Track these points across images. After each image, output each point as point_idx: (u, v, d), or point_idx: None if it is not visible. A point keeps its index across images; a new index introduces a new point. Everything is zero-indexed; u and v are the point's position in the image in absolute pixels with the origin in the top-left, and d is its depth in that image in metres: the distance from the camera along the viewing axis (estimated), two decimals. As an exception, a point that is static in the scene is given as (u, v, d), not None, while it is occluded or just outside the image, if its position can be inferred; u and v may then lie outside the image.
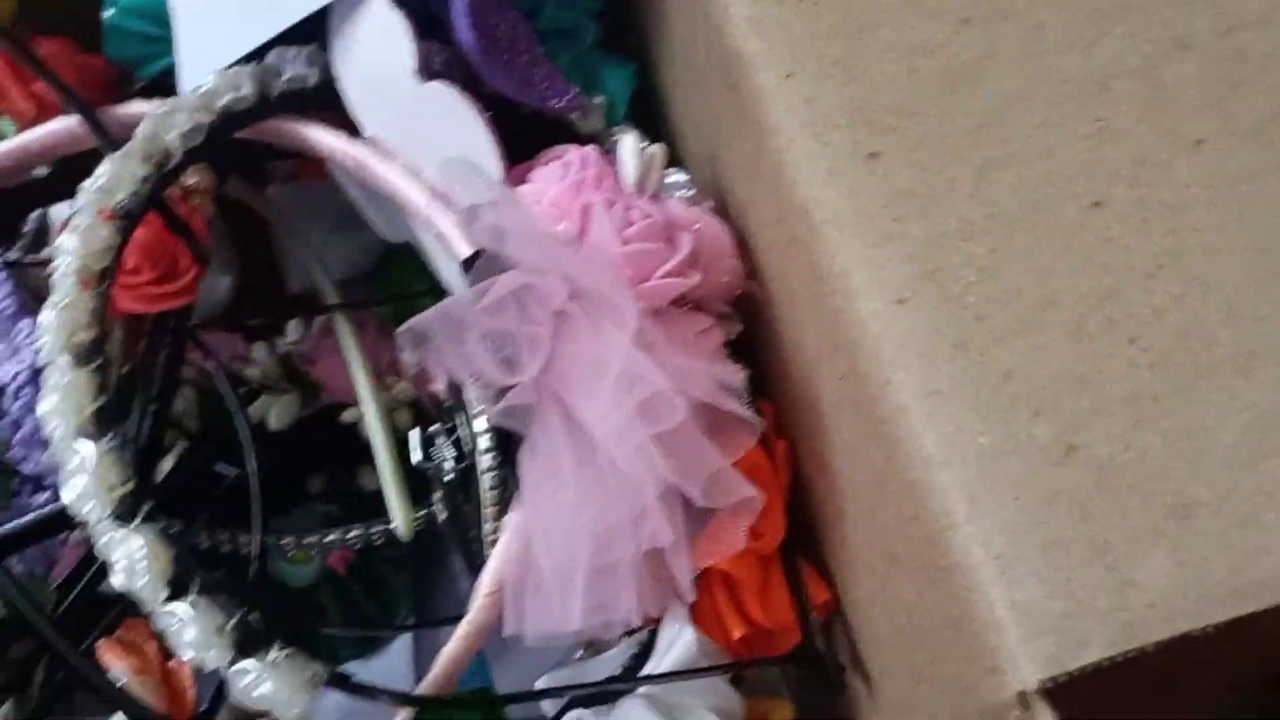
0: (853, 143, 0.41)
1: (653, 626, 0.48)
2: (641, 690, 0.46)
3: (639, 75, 0.57)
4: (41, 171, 0.52)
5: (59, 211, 0.55)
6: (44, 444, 0.49)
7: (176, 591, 0.39)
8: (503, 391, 0.42)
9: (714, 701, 0.46)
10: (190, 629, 0.39)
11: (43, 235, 0.57)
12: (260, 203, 0.60)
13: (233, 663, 0.39)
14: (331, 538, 0.55)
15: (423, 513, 0.54)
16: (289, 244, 0.63)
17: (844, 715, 0.51)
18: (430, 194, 0.48)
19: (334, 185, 0.62)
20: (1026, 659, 0.33)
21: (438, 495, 0.53)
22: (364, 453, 0.61)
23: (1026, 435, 0.36)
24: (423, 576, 0.65)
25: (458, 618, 0.46)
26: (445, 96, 0.46)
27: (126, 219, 0.44)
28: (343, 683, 0.41)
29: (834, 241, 0.40)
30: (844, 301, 0.39)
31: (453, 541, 0.52)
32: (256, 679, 0.39)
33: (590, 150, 0.48)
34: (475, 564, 0.48)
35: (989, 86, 0.41)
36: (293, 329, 0.60)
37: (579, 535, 0.42)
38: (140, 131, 0.45)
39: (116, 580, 0.39)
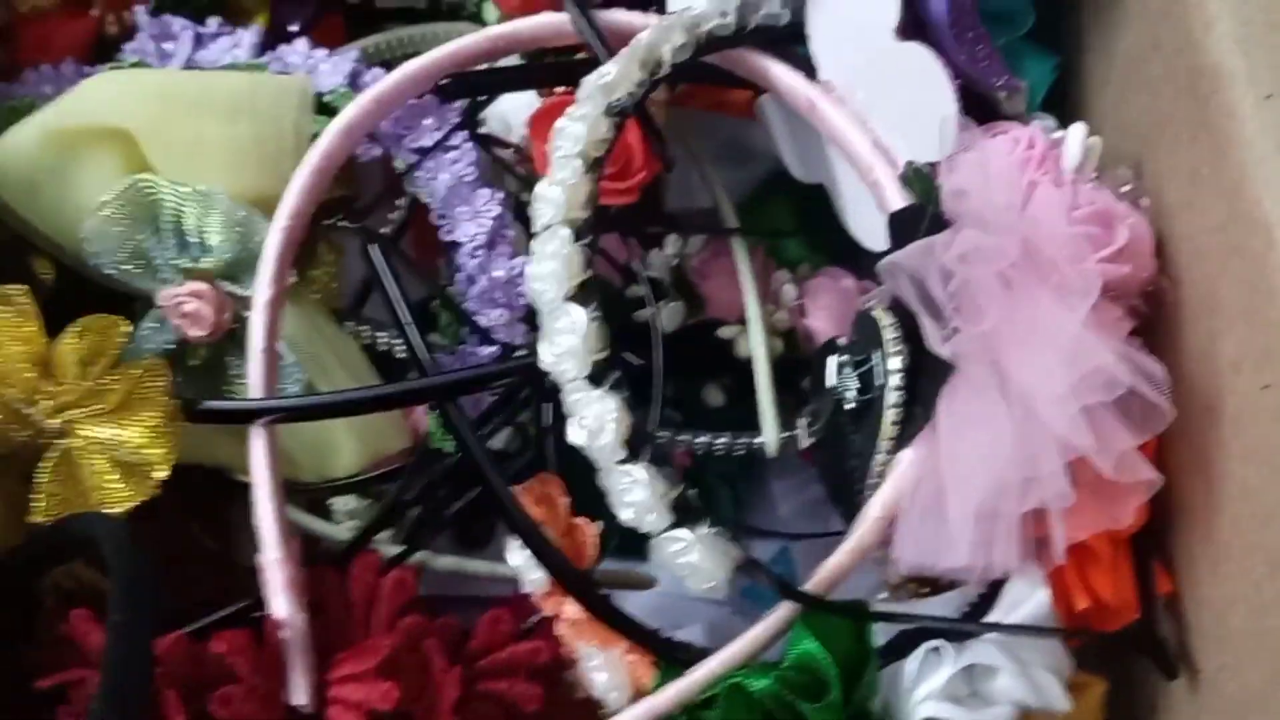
0: (1326, 170, 0.43)
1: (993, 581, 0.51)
2: (989, 636, 0.49)
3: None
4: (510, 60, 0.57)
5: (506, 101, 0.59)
6: (497, 302, 0.54)
7: (631, 455, 0.43)
8: (944, 335, 0.45)
9: (1051, 663, 0.49)
10: (638, 490, 0.43)
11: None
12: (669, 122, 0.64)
13: (668, 529, 0.44)
14: (703, 439, 0.59)
15: (787, 434, 0.58)
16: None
17: (1149, 704, 0.54)
18: (874, 144, 0.52)
19: (720, 116, 0.66)
20: None
21: (803, 421, 0.56)
22: (718, 370, 0.65)
23: None
24: (742, 495, 0.69)
25: (828, 533, 0.51)
26: (921, 58, 0.49)
27: (619, 116, 0.48)
28: (750, 566, 0.45)
29: (1293, 260, 0.42)
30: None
31: (821, 466, 0.55)
32: (685, 548, 0.44)
33: (1036, 130, 0.50)
34: (849, 490, 0.51)
35: None
36: (670, 243, 0.64)
37: (985, 480, 0.45)
38: (643, 39, 0.49)
39: (577, 436, 0.44)
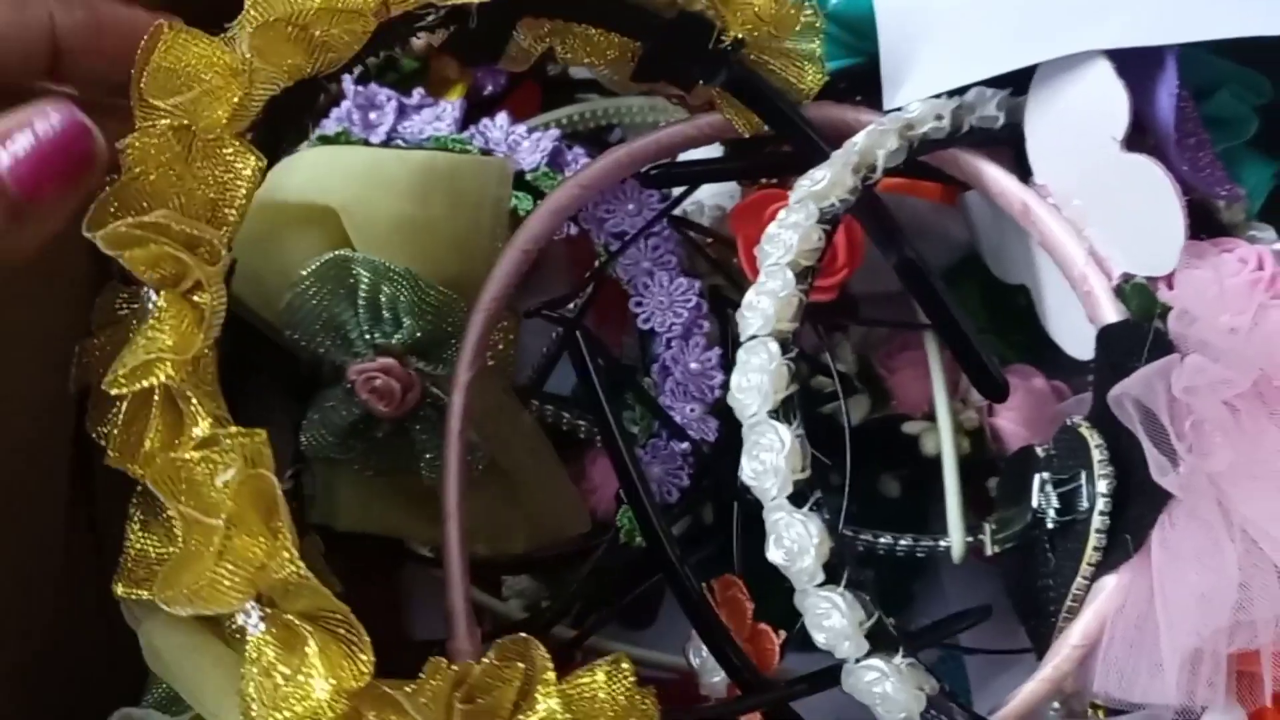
0: None
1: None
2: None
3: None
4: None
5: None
6: (691, 396, 0.54)
7: (830, 579, 0.42)
8: (1169, 467, 0.43)
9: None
10: (835, 616, 0.42)
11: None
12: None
13: (864, 658, 0.42)
14: (884, 540, 0.58)
15: (970, 539, 0.56)
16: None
17: None
18: (1089, 253, 0.50)
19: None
20: None
21: (989, 527, 0.54)
22: (896, 460, 0.64)
23: None
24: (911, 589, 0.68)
25: (1012, 650, 0.50)
26: (1149, 173, 0.47)
27: (831, 223, 0.47)
28: (944, 699, 0.44)
29: None
30: None
31: (1007, 579, 0.53)
32: (879, 678, 0.42)
33: (1267, 251, 0.48)
34: (1041, 608, 0.49)
35: None
36: (855, 333, 0.63)
37: (1202, 618, 0.43)
38: (857, 144, 0.48)
39: (775, 556, 0.43)
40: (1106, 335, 0.49)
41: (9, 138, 0.38)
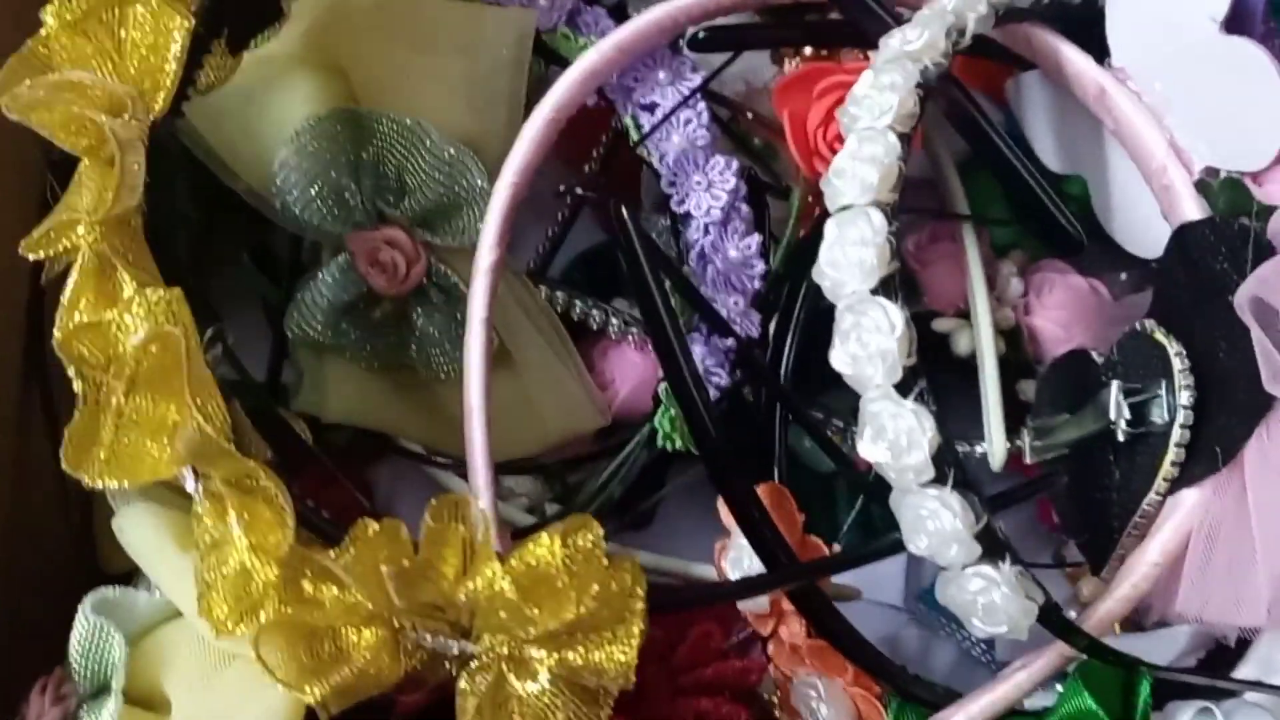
0: None
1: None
2: (1258, 699, 0.44)
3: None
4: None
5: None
6: (733, 287, 0.49)
7: (939, 477, 0.38)
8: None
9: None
10: (944, 518, 0.38)
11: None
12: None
13: (973, 564, 0.39)
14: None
15: (1010, 445, 0.53)
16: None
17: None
18: (1169, 144, 0.47)
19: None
20: None
21: (1027, 435, 0.51)
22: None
23: None
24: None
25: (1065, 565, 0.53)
26: (1251, 56, 0.44)
27: (924, 90, 0.42)
28: (1049, 615, 0.40)
29: None
30: None
31: (1057, 491, 0.50)
32: (986, 587, 0.39)
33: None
34: (1100, 523, 0.47)
35: None
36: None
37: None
38: (949, 5, 0.44)
39: (875, 451, 0.38)
40: (1185, 233, 0.46)
41: None
